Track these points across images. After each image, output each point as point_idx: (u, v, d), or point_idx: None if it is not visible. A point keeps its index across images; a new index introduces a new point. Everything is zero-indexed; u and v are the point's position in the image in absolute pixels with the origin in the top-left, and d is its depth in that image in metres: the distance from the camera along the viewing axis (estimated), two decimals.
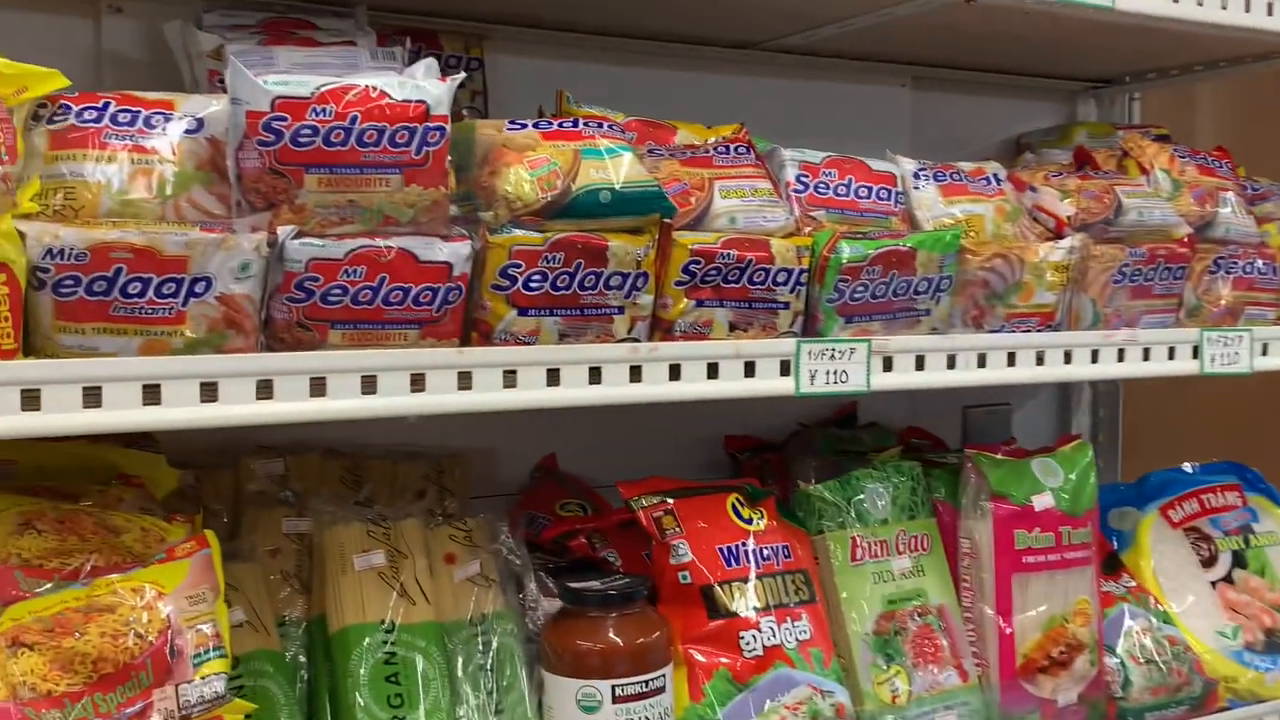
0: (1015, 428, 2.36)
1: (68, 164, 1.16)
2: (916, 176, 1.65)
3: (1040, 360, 1.64)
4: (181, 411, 1.16)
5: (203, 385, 1.17)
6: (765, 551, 1.56)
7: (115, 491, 1.40)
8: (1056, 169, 1.81)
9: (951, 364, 1.58)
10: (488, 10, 1.78)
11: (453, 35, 1.77)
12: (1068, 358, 1.66)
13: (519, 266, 1.31)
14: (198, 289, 1.17)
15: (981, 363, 1.60)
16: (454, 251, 1.28)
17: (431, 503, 1.71)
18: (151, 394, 1.16)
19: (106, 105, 1.19)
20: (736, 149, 1.53)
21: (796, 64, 2.07)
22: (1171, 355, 1.73)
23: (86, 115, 1.19)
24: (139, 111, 1.21)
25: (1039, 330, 1.65)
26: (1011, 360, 1.62)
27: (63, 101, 1.18)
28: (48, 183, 1.16)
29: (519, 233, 1.31)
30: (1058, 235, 1.69)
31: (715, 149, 1.52)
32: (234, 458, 1.66)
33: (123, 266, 1.13)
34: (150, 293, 1.15)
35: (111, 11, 1.59)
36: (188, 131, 1.22)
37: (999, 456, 1.72)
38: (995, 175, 1.71)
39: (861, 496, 1.65)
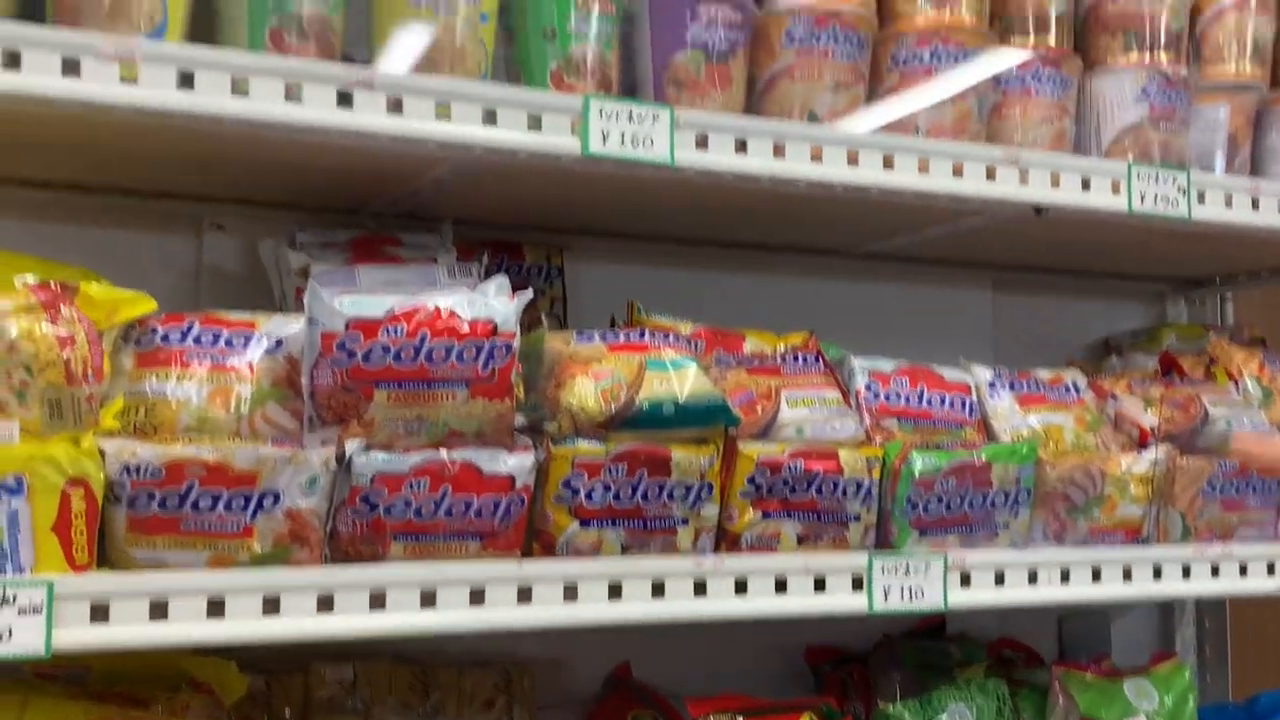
0: (1114, 638, 2.24)
1: (151, 382, 1.22)
2: (992, 386, 1.63)
3: (1128, 576, 1.58)
4: (244, 625, 1.18)
5: (265, 599, 1.19)
6: None
7: (184, 698, 1.41)
8: (1140, 376, 1.78)
9: (1033, 579, 1.52)
10: (568, 222, 1.84)
11: (535, 246, 1.83)
12: (1157, 573, 1.59)
13: (581, 477, 1.32)
14: (266, 503, 1.20)
15: (1065, 578, 1.54)
16: (518, 464, 1.29)
17: (500, 714, 1.69)
18: (216, 607, 1.18)
19: (191, 326, 1.26)
20: (805, 357, 1.54)
21: (873, 269, 2.08)
22: (1271, 571, 1.65)
23: (172, 336, 1.25)
24: (221, 331, 1.27)
25: (1125, 545, 1.59)
26: (1097, 576, 1.56)
27: (151, 324, 1.25)
28: (131, 400, 1.21)
29: (582, 444, 1.33)
30: (1142, 446, 1.65)
31: (783, 357, 1.53)
32: (304, 661, 1.66)
33: (195, 482, 1.17)
34: (220, 507, 1.18)
35: (213, 229, 1.69)
36: (267, 350, 1.27)
37: (1089, 676, 1.64)
38: (1074, 384, 1.68)
39: (944, 718, 1.58)
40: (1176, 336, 2.14)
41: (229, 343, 1.26)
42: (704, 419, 1.37)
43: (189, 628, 1.17)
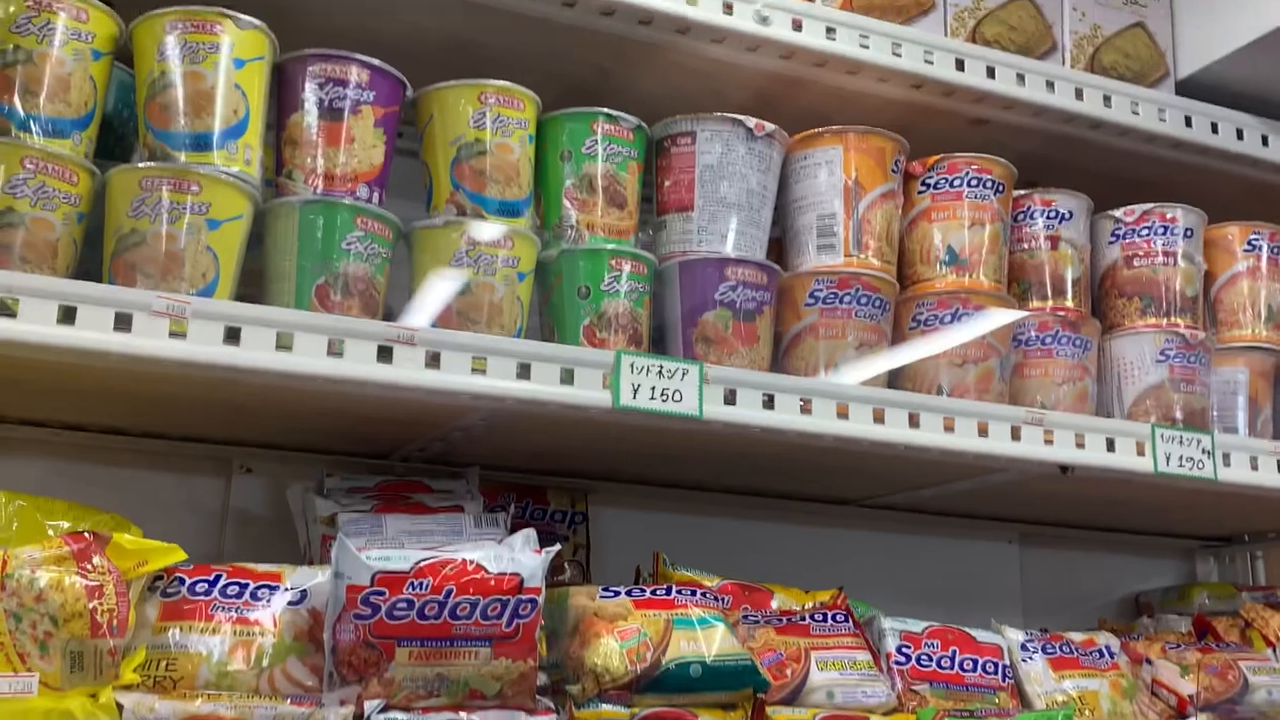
0: None
1: (174, 634, 1.21)
2: (1025, 648, 1.60)
3: None
4: None
5: None
6: None
7: None
8: (1175, 639, 1.74)
9: None
10: (593, 469, 1.85)
11: (560, 491, 1.84)
12: None
13: None
14: None
15: None
16: None
17: None
18: None
19: (218, 578, 1.25)
20: (835, 616, 1.52)
21: (899, 520, 2.07)
22: None
23: (198, 588, 1.24)
24: (247, 584, 1.26)
25: None
26: None
27: (178, 574, 1.24)
28: (154, 653, 1.19)
29: (605, 708, 1.29)
30: (1180, 714, 1.59)
31: (813, 616, 1.51)
32: None
33: None
34: None
35: (242, 471, 1.70)
36: (291, 603, 1.26)
37: None
38: (1108, 647, 1.65)
39: None
40: (1209, 595, 2.10)
41: (254, 595, 1.25)
42: (732, 682, 1.33)
43: None
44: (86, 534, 1.17)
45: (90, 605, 1.13)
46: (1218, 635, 1.78)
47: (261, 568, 1.28)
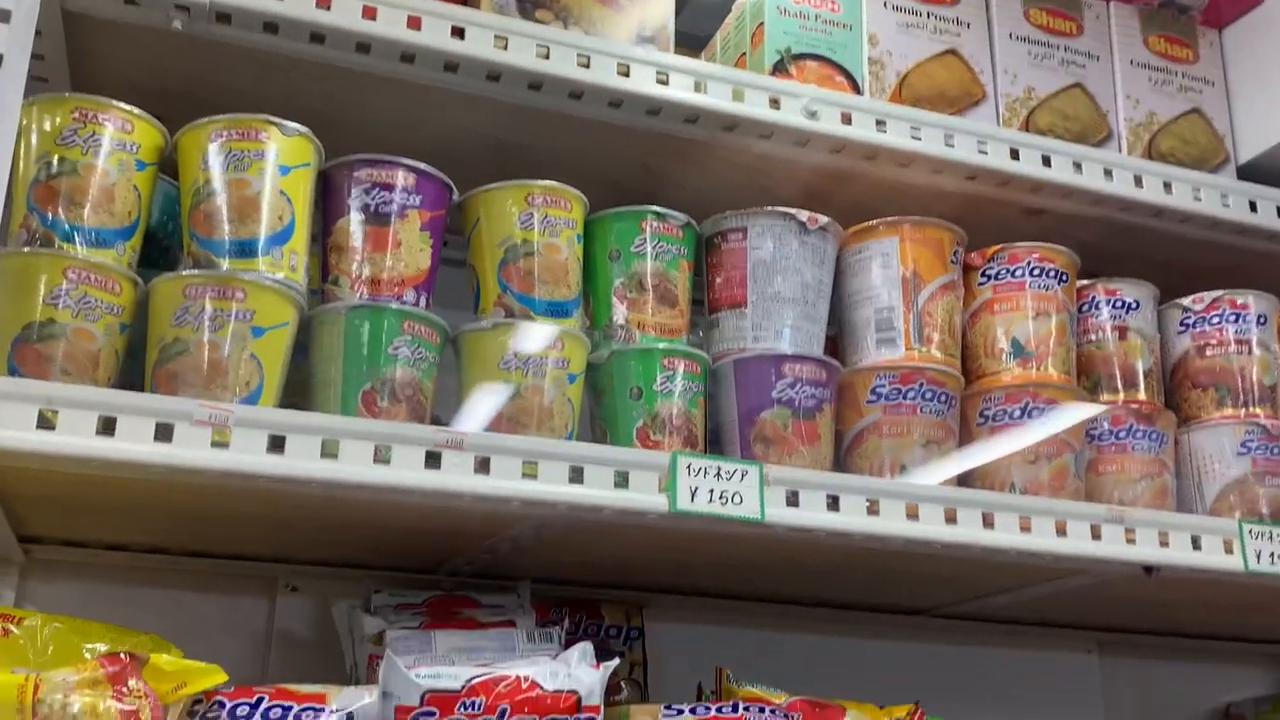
0: None
1: None
2: None
3: None
4: None
5: None
6: None
7: None
8: None
9: None
10: (649, 581, 1.78)
11: (614, 605, 1.76)
12: None
13: None
14: None
15: None
16: None
17: None
18: None
19: (260, 700, 1.18)
20: None
21: (973, 630, 1.98)
22: None
23: (239, 711, 1.17)
24: (291, 707, 1.19)
25: None
26: None
27: (219, 697, 1.18)
28: None
29: None
30: None
31: None
32: None
33: None
34: None
35: (287, 590, 1.64)
36: None
37: None
38: None
39: None
40: None
41: (298, 718, 1.18)
42: None
43: None
44: (123, 655, 1.11)
45: None
46: None
47: (305, 689, 1.21)
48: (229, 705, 1.18)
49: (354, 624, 1.46)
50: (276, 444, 1.19)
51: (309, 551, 1.62)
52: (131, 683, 1.10)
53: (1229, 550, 1.53)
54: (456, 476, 1.25)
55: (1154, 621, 2.04)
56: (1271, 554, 1.54)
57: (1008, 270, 1.60)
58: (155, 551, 1.58)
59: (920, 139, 1.61)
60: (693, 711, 1.31)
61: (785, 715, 1.35)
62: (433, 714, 1.15)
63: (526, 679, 1.19)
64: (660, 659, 1.77)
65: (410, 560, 1.65)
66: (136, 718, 1.09)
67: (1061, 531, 1.47)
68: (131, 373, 1.26)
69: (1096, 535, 1.48)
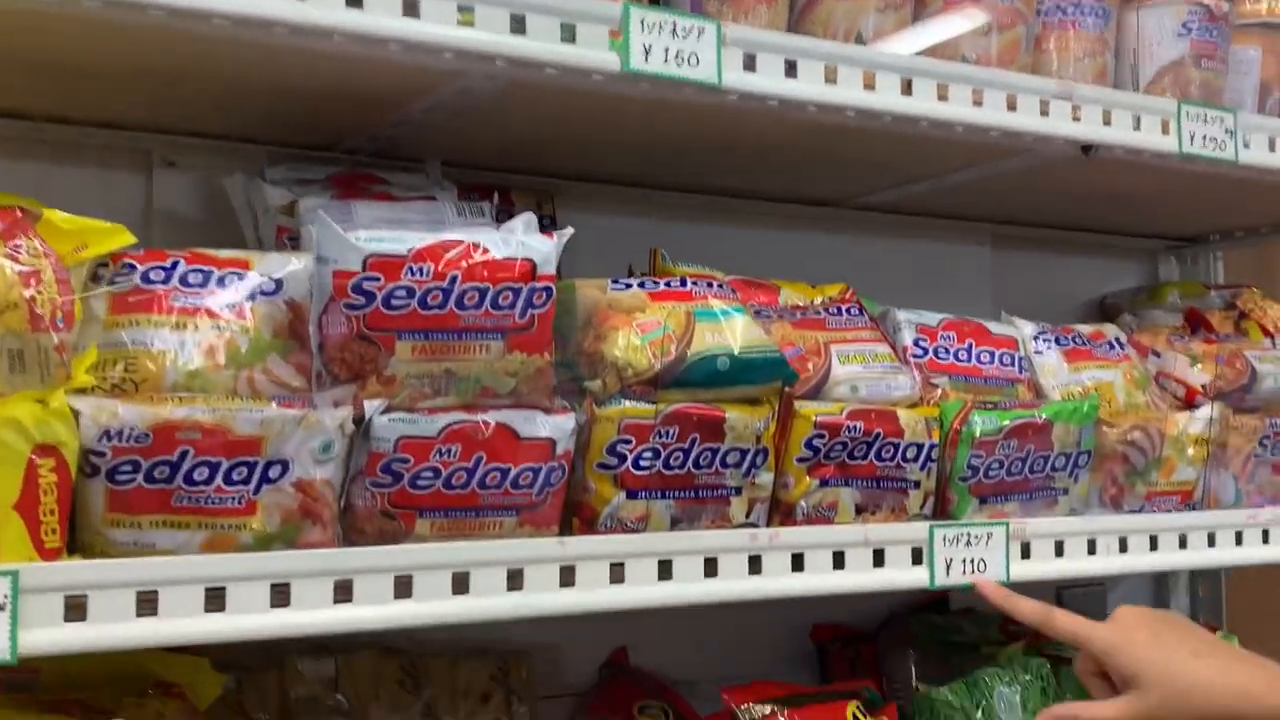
0: (1110, 609, 2.16)
1: (129, 331, 1.01)
2: (1036, 340, 1.51)
3: (1183, 544, 1.48)
4: (249, 620, 0.99)
5: (273, 587, 1.00)
6: None
7: (154, 705, 1.21)
8: (1177, 331, 1.68)
9: (1092, 549, 1.41)
10: (561, 166, 1.66)
11: (524, 191, 1.65)
12: (1211, 540, 1.50)
13: (629, 443, 1.16)
14: (272, 474, 1.01)
15: (1123, 548, 1.43)
16: (557, 426, 1.12)
17: (498, 709, 1.52)
18: (215, 598, 0.98)
19: (175, 265, 1.05)
20: (848, 310, 1.40)
21: (873, 223, 1.95)
22: None
23: (153, 276, 1.04)
24: (211, 272, 1.07)
25: (1180, 510, 1.48)
26: (1154, 544, 1.45)
27: (126, 260, 1.04)
28: (106, 352, 1.00)
29: (629, 404, 1.16)
30: (1187, 405, 1.54)
31: (827, 310, 1.39)
32: (278, 655, 1.46)
33: (189, 449, 0.98)
34: (219, 479, 0.99)
35: (164, 165, 1.47)
36: (264, 294, 1.07)
37: None
38: (1117, 339, 1.57)
39: (991, 700, 1.46)
40: (1180, 294, 2.06)
41: (221, 284, 1.06)
42: (760, 375, 1.21)
43: (183, 624, 0.97)
44: (16, 210, 0.95)
45: (27, 294, 0.93)
46: (1210, 326, 1.73)
47: (225, 254, 1.08)
48: (141, 269, 1.04)
49: (254, 196, 1.31)
50: None
51: (190, 122, 1.44)
52: (25, 239, 0.95)
53: (1165, 131, 1.50)
54: (384, 18, 1.08)
55: (1047, 214, 2.06)
56: (1204, 136, 1.52)
57: None
58: (11, 117, 1.37)
59: None
60: (640, 285, 1.24)
61: (732, 290, 1.30)
62: (376, 280, 1.05)
63: (477, 245, 1.08)
64: (572, 249, 1.68)
65: (304, 135, 1.48)
66: (37, 279, 0.95)
67: (1012, 106, 1.40)
68: None
69: (1044, 112, 1.42)
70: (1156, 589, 2.27)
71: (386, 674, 1.49)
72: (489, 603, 1.09)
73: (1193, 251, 2.27)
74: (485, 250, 1.08)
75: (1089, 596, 2.17)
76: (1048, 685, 1.52)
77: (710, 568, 1.19)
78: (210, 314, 1.04)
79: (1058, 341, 1.51)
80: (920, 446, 1.30)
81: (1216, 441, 1.50)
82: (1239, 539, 1.51)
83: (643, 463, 1.16)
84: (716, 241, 1.81)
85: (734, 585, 1.20)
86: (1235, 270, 2.34)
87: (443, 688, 1.52)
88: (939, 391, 1.38)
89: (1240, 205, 1.95)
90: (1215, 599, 2.23)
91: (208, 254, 1.08)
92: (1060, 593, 2.13)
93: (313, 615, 1.01)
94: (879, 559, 1.28)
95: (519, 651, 1.61)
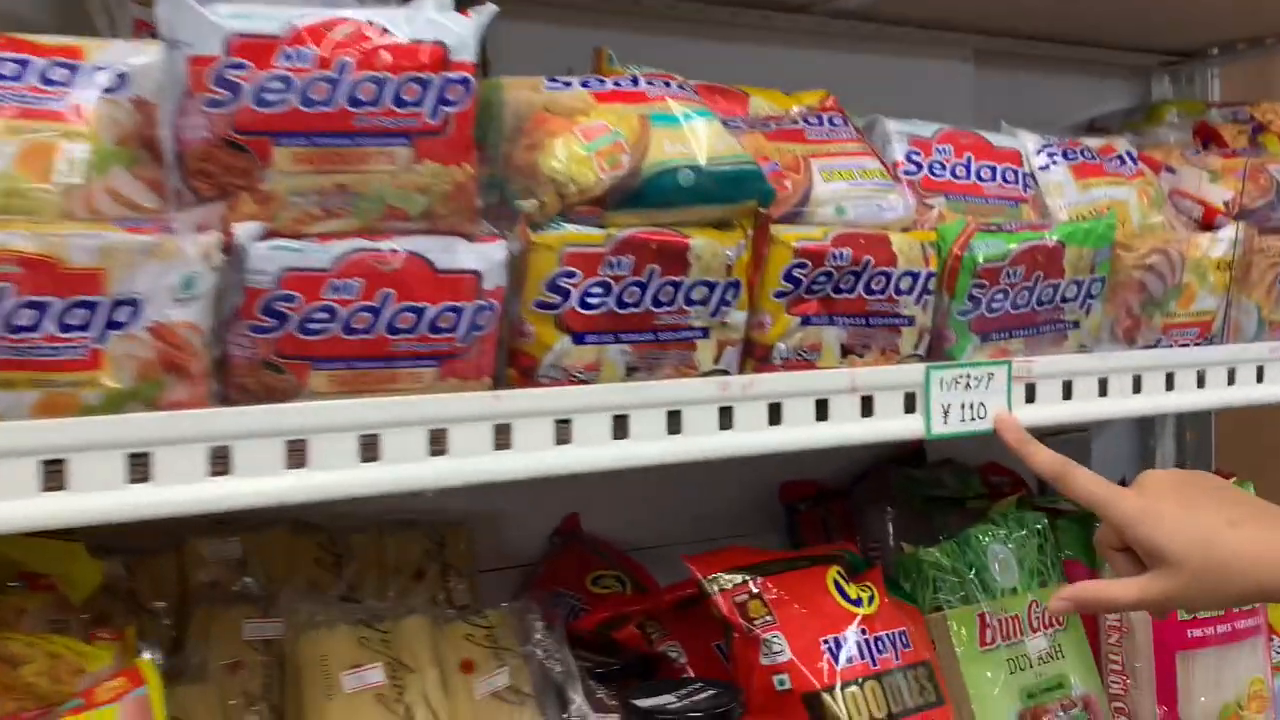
0: (1094, 456, 2.03)
1: None
2: (1041, 154, 1.31)
3: (1201, 382, 1.31)
4: (98, 500, 0.79)
5: (131, 458, 0.80)
6: (881, 642, 1.20)
7: (15, 600, 1.02)
8: (1188, 147, 1.49)
9: (1104, 390, 1.24)
10: None
11: None
12: (1231, 378, 1.33)
13: (573, 276, 0.95)
14: (120, 317, 0.80)
15: (1137, 387, 1.26)
16: (484, 256, 0.91)
17: (433, 586, 1.35)
18: (54, 473, 0.78)
19: None
20: (830, 119, 1.19)
21: (847, 33, 1.73)
22: None
23: None
24: (31, 61, 0.83)
25: (1198, 344, 1.32)
26: (1170, 383, 1.29)
27: None
28: None
29: (573, 229, 0.95)
30: (1206, 225, 1.37)
31: (806, 120, 1.18)
32: (177, 536, 1.27)
33: (8, 286, 0.76)
34: (49, 324, 0.78)
35: None
36: (105, 91, 0.84)
37: None
38: (1128, 153, 1.38)
39: (984, 560, 1.30)
40: (1177, 113, 1.86)
41: (45, 78, 0.83)
42: (732, 190, 1.00)
43: (13, 506, 0.77)
44: None
45: None
46: (1223, 142, 1.55)
47: (50, 40, 0.85)
48: None
49: None
50: None
51: None
52: None
53: None
54: None
55: (1033, 23, 1.84)
56: None
57: None
58: None
59: None
60: (584, 84, 1.02)
61: (694, 91, 1.08)
62: (243, 67, 0.82)
63: (373, 23, 0.86)
64: (500, 69, 1.45)
65: None
66: None
67: None
68: None
69: None
70: (1141, 435, 2.13)
71: (301, 552, 1.31)
72: (406, 470, 0.89)
73: (1188, 69, 2.07)
74: (384, 30, 0.86)
75: (1073, 446, 2.03)
76: (1045, 542, 1.37)
77: (673, 423, 1.00)
78: (33, 114, 0.81)
79: (1065, 155, 1.32)
80: (915, 276, 1.11)
81: (1240, 265, 1.32)
82: (1260, 375, 1.35)
83: (591, 300, 0.96)
84: (673, 55, 1.58)
85: (701, 442, 1.02)
86: (1233, 91, 2.15)
87: (369, 565, 1.34)
88: (935, 213, 1.19)
89: (1246, 7, 1.75)
90: (1204, 445, 2.10)
91: (27, 39, 0.84)
92: (1044, 441, 1.99)
93: (183, 491, 0.82)
94: (867, 407, 1.10)
95: (456, 523, 1.43)
